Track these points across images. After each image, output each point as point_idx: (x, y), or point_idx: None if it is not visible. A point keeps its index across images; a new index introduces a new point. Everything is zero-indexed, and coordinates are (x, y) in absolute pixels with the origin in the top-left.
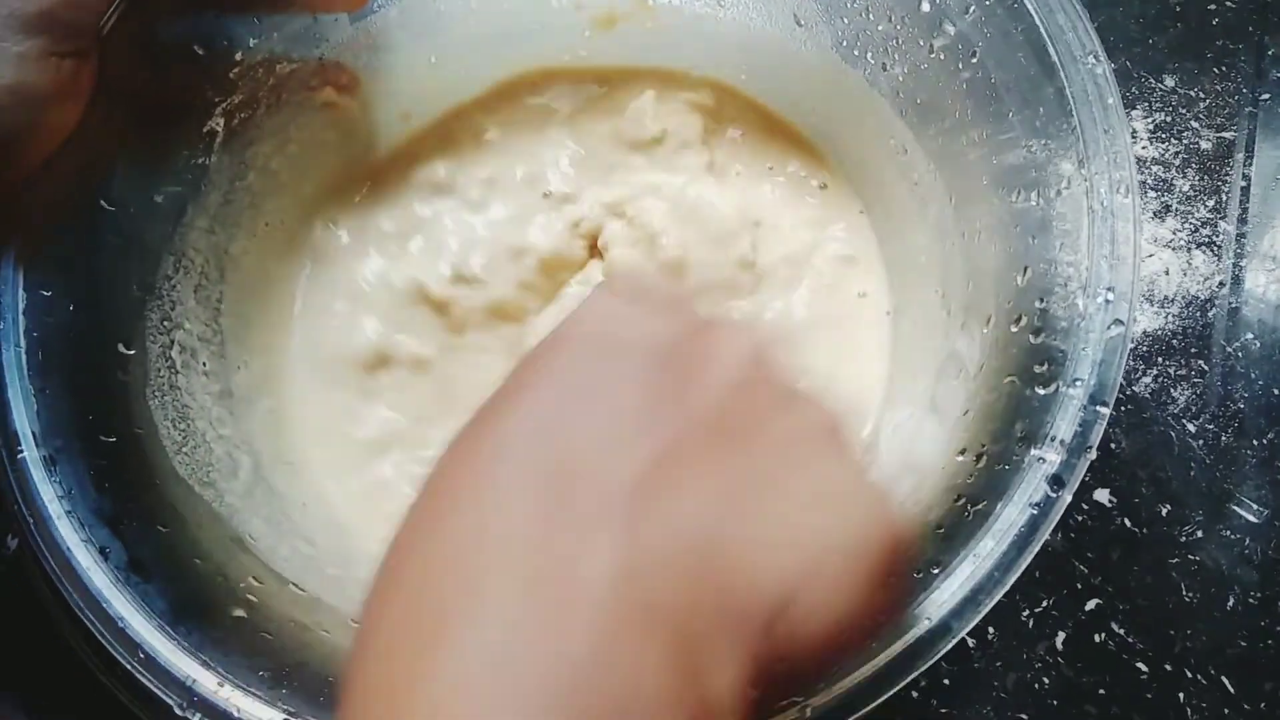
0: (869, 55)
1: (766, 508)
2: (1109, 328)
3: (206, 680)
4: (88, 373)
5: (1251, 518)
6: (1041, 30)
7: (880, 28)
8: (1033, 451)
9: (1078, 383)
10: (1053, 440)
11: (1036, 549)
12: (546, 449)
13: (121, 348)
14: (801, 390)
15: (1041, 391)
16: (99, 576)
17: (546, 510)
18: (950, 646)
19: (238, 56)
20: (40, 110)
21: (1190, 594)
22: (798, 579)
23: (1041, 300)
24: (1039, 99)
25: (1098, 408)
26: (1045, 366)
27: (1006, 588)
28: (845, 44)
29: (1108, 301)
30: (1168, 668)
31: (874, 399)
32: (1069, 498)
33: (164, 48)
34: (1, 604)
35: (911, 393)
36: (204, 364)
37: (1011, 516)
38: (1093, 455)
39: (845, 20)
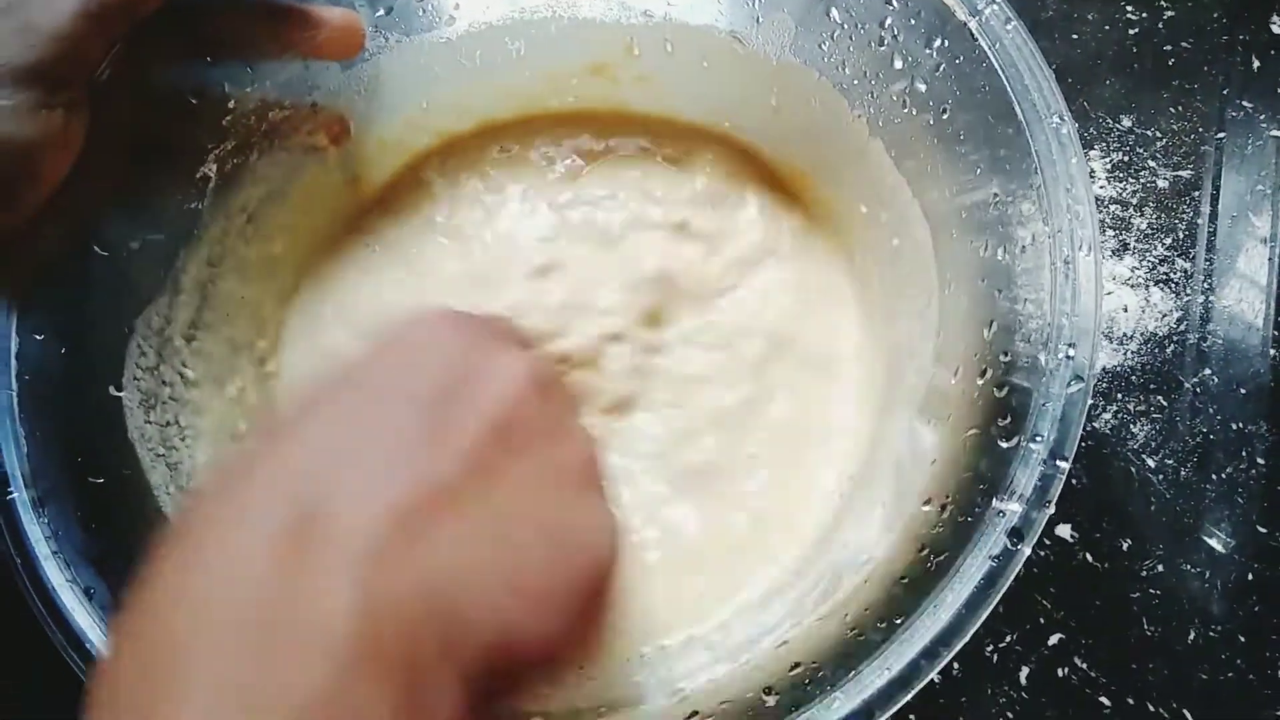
0: (850, 98)
1: (499, 553)
2: (1069, 384)
3: None
4: (78, 415)
5: (1212, 551)
6: (1008, 89)
7: (856, 83)
8: (994, 504)
9: (1038, 438)
10: (1013, 494)
11: (995, 601)
12: (293, 495)
13: (111, 390)
14: (568, 421)
15: (1004, 445)
16: (83, 617)
17: (284, 559)
18: (909, 698)
19: (230, 104)
20: (32, 161)
21: (1152, 627)
22: (518, 617)
23: (1006, 354)
24: (1006, 157)
25: (1058, 462)
26: (1008, 420)
27: (966, 639)
28: (830, 83)
29: (1068, 358)
30: (1130, 701)
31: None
32: (1028, 550)
33: (157, 95)
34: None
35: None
36: (192, 406)
37: (972, 568)
38: (1051, 510)
39: (824, 63)
